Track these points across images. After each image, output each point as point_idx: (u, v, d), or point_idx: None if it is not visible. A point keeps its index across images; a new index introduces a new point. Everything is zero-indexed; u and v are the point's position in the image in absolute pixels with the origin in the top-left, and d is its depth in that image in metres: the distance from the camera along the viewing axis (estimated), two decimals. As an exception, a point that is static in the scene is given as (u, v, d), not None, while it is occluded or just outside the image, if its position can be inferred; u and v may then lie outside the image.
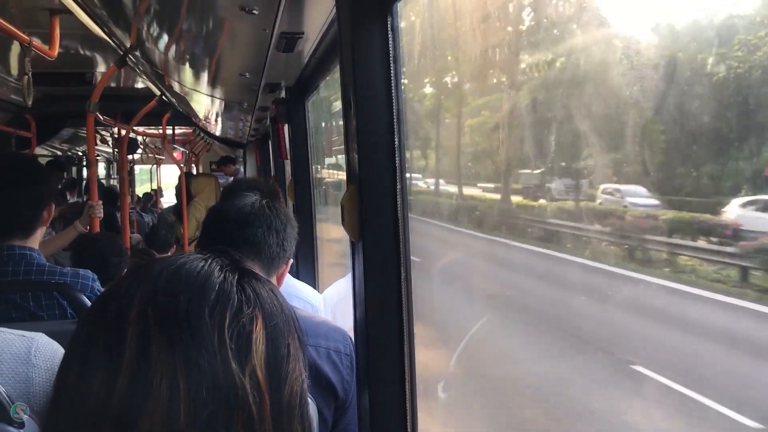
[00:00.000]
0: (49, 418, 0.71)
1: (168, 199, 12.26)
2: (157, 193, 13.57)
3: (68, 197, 8.33)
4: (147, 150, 10.27)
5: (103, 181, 12.21)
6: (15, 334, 1.18)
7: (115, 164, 12.75)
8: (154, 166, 14.32)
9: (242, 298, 0.71)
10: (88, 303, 2.08)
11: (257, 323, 0.70)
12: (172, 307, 0.67)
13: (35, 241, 2.22)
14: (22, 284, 2.14)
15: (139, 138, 8.19)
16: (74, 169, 11.81)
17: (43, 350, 1.18)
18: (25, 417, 1.10)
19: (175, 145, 9.80)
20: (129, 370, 0.65)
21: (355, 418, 1.66)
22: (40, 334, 1.21)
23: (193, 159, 11.83)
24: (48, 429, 0.70)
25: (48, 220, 2.26)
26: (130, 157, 8.41)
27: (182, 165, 9.05)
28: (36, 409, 1.13)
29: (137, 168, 14.65)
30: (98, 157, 9.71)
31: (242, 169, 9.21)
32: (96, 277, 2.31)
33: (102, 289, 2.30)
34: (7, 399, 1.10)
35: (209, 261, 0.74)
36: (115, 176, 13.06)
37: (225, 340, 0.67)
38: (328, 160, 7.47)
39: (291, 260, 1.78)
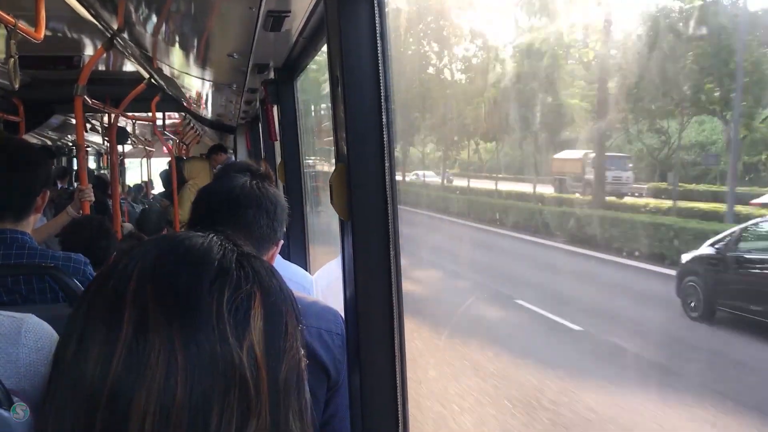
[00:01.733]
0: (46, 396, 0.71)
1: (158, 190, 12.24)
2: (148, 185, 13.53)
3: (59, 185, 8.31)
4: (137, 141, 10.22)
5: (95, 171, 12.16)
6: (5, 315, 1.18)
7: (105, 156, 12.69)
8: (144, 158, 14.27)
9: (241, 274, 0.71)
10: (79, 287, 2.08)
11: (255, 300, 0.70)
12: (171, 282, 0.68)
13: (28, 226, 2.21)
14: (13, 268, 2.13)
15: (129, 128, 8.15)
16: (64, 159, 11.76)
17: (33, 330, 1.18)
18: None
19: (166, 132, 9.75)
20: (126, 344, 0.65)
21: (346, 397, 1.67)
22: (30, 315, 1.21)
23: (184, 149, 11.78)
24: (46, 405, 0.70)
25: (42, 206, 2.25)
26: (120, 148, 8.38)
27: (173, 151, 9.01)
28: (26, 388, 1.13)
29: (127, 161, 14.56)
30: (88, 148, 9.65)
31: (233, 158, 9.18)
32: (88, 261, 2.30)
33: (93, 273, 2.30)
34: (3, 387, 1.10)
35: (208, 238, 0.74)
36: (106, 167, 13.00)
37: (223, 315, 0.67)
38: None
39: (281, 241, 1.77)
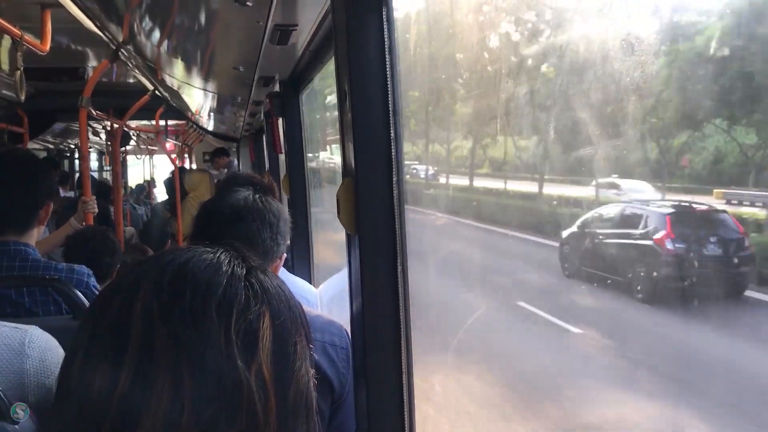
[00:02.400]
0: (51, 413, 0.69)
1: (160, 191, 12.20)
2: (150, 184, 13.51)
3: (60, 191, 8.30)
4: (140, 141, 10.22)
5: (95, 174, 12.15)
6: (8, 326, 1.17)
7: (107, 156, 12.68)
8: (147, 156, 14.26)
9: (249, 294, 0.69)
10: (82, 298, 2.07)
11: (264, 320, 0.69)
12: (178, 303, 0.66)
13: (31, 238, 2.20)
14: (16, 279, 2.12)
15: (132, 132, 8.16)
16: (66, 162, 11.76)
17: (36, 342, 1.17)
18: (22, 412, 1.10)
19: (168, 138, 9.76)
20: (132, 366, 0.63)
21: (351, 411, 1.66)
22: (34, 326, 1.21)
23: (186, 150, 11.79)
24: (51, 425, 0.69)
25: (45, 219, 2.24)
26: (122, 148, 8.37)
27: (175, 156, 9.01)
28: (30, 399, 1.13)
29: (129, 158, 14.55)
30: (90, 149, 9.66)
31: (236, 161, 9.18)
32: (91, 272, 2.29)
33: (97, 285, 2.29)
34: (5, 399, 1.09)
35: (217, 255, 0.72)
36: (108, 168, 12.98)
37: (231, 337, 0.66)
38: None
39: (284, 255, 1.77)
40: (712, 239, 4.98)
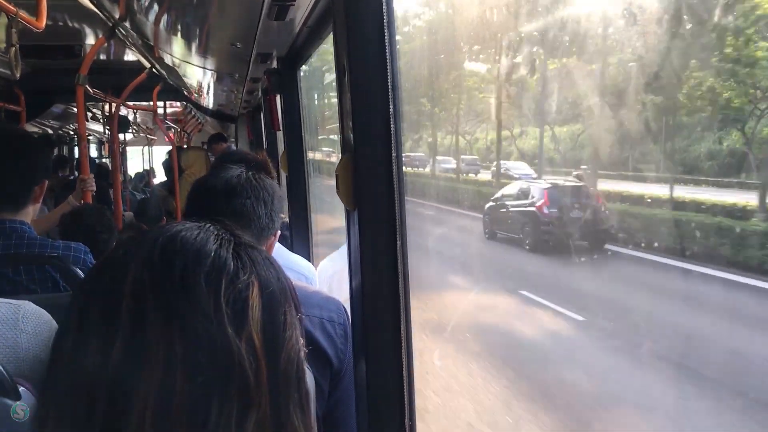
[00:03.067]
0: (46, 386, 0.70)
1: (160, 179, 12.23)
2: (150, 173, 13.49)
3: (59, 174, 8.28)
4: (139, 130, 10.20)
5: (96, 160, 12.14)
6: (2, 302, 1.17)
7: (106, 144, 12.66)
8: (146, 146, 14.25)
9: (238, 264, 0.70)
10: (80, 275, 2.07)
11: (253, 290, 0.70)
12: (168, 273, 0.67)
13: (27, 215, 2.20)
14: (14, 258, 2.12)
15: (131, 116, 8.12)
16: (65, 147, 11.73)
17: (30, 316, 1.17)
18: (21, 388, 1.10)
19: (167, 122, 9.74)
20: (125, 336, 0.64)
21: (351, 387, 1.66)
22: (27, 301, 1.21)
23: (185, 138, 11.77)
24: (45, 398, 0.69)
25: (40, 196, 2.24)
26: (121, 137, 8.35)
27: (174, 140, 8.99)
28: (27, 374, 1.13)
29: (129, 149, 14.53)
30: (90, 137, 9.65)
31: (233, 147, 9.15)
32: (88, 249, 2.29)
33: (94, 262, 2.29)
34: (8, 376, 1.09)
35: (205, 229, 0.73)
36: (107, 156, 12.97)
37: (221, 306, 0.66)
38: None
39: (279, 232, 1.77)
40: (576, 206, 7.33)
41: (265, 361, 0.68)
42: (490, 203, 8.53)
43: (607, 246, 6.93)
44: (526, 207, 7.74)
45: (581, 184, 7.53)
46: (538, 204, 7.52)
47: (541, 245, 7.65)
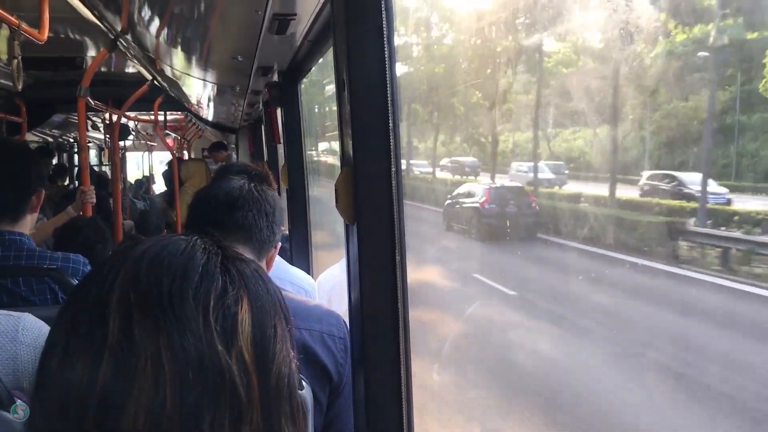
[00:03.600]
0: (33, 405, 0.69)
1: (159, 186, 12.23)
2: (150, 180, 13.50)
3: (59, 184, 8.29)
4: (139, 137, 10.21)
5: (95, 168, 12.15)
6: (1, 314, 1.18)
7: (106, 151, 12.67)
8: (146, 153, 14.25)
9: (227, 279, 0.69)
10: None
11: (242, 304, 0.69)
12: (155, 290, 0.66)
13: (25, 226, 2.20)
14: (13, 269, 2.12)
15: (131, 124, 8.13)
16: (65, 155, 11.74)
17: (30, 328, 1.17)
18: (18, 401, 1.10)
19: (168, 131, 9.75)
20: (112, 355, 0.63)
21: (349, 401, 1.66)
22: (27, 313, 1.21)
23: (185, 145, 11.79)
24: (33, 417, 0.68)
25: (37, 206, 2.24)
26: (121, 143, 8.36)
27: (174, 151, 9.00)
28: (25, 386, 1.13)
29: (128, 155, 14.54)
30: (89, 144, 9.66)
31: (234, 156, 9.16)
32: (87, 261, 2.29)
33: None
34: (5, 389, 1.09)
35: (192, 242, 0.72)
36: (107, 163, 12.98)
37: (210, 322, 0.66)
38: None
39: (279, 244, 1.77)
40: (511, 203, 9.22)
41: (256, 377, 0.67)
42: (448, 201, 10.23)
43: (540, 235, 8.84)
44: (472, 204, 9.65)
45: (519, 185, 9.88)
46: (481, 201, 9.45)
47: (484, 235, 9.53)
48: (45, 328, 1.22)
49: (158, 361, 0.63)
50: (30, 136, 7.04)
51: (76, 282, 2.11)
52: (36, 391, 0.68)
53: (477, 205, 9.38)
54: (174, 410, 0.62)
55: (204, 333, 0.65)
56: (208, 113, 6.93)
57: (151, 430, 0.62)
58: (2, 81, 4.55)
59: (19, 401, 1.10)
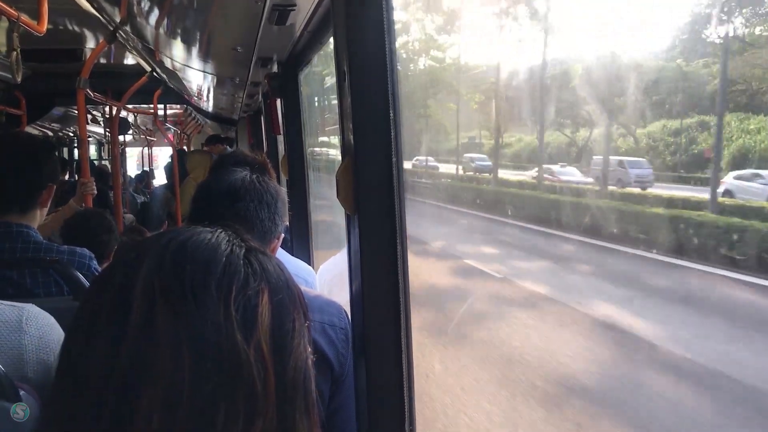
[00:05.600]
0: (53, 390, 0.70)
1: (160, 180, 12.22)
2: (149, 174, 13.48)
3: (60, 178, 8.25)
4: (138, 131, 10.20)
5: (95, 162, 12.14)
6: (5, 304, 1.18)
7: (107, 145, 12.66)
8: (146, 147, 14.24)
9: (249, 271, 0.70)
10: (83, 280, 2.08)
11: (263, 297, 0.70)
12: (178, 279, 0.67)
13: (33, 219, 2.21)
14: (16, 261, 2.13)
15: (131, 118, 8.11)
16: (65, 149, 11.72)
17: (34, 318, 1.18)
18: (22, 393, 1.11)
19: (167, 125, 9.73)
20: (133, 341, 0.64)
21: (351, 391, 1.67)
22: (31, 304, 1.22)
23: (185, 139, 11.78)
24: (54, 397, 0.69)
25: (47, 201, 2.25)
26: (121, 138, 8.35)
27: (174, 143, 8.98)
28: (30, 375, 1.13)
29: (128, 150, 14.52)
30: (90, 138, 9.64)
31: (229, 149, 9.13)
32: (93, 255, 2.30)
33: (98, 268, 2.30)
34: (9, 380, 1.10)
35: (216, 234, 0.73)
36: (107, 157, 12.96)
37: (230, 313, 0.66)
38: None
39: (282, 235, 1.77)
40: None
41: (273, 369, 0.68)
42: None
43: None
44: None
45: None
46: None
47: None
48: (50, 319, 1.22)
49: (178, 349, 0.64)
50: (30, 130, 7.03)
51: (78, 274, 2.11)
52: (56, 374, 0.69)
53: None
54: (190, 398, 0.63)
55: (224, 323, 0.66)
56: (208, 105, 6.92)
57: (167, 417, 0.63)
58: (1, 73, 4.54)
59: (22, 392, 1.11)
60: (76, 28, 3.90)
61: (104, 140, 12.29)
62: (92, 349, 0.65)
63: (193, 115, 8.70)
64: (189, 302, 0.66)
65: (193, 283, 0.67)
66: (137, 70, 4.96)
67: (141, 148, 15.34)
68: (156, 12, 2.78)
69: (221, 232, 0.74)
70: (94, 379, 0.65)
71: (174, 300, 0.66)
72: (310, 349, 0.75)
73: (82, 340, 0.67)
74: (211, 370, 0.64)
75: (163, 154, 15.79)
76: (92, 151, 13.61)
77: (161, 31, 3.07)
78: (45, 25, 2.52)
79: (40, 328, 1.18)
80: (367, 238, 1.51)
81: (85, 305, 0.69)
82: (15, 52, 2.47)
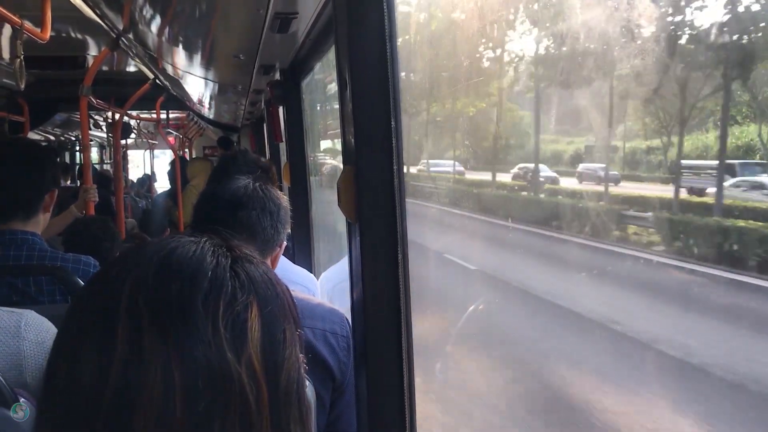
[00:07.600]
0: (40, 411, 0.68)
1: (162, 184, 12.22)
2: (151, 178, 13.51)
3: (61, 182, 8.26)
4: (140, 135, 10.22)
5: (97, 166, 12.16)
6: (4, 311, 1.18)
7: (108, 149, 12.67)
8: (148, 150, 14.26)
9: (236, 284, 0.68)
10: None
11: (252, 310, 0.68)
12: (164, 297, 0.65)
13: (37, 225, 2.21)
14: (20, 268, 2.13)
15: (133, 122, 8.13)
16: (67, 154, 11.74)
17: (32, 324, 1.18)
18: (21, 399, 1.10)
19: (169, 129, 9.75)
20: (121, 363, 0.62)
21: (352, 399, 1.66)
22: (29, 310, 1.21)
23: (187, 143, 11.81)
24: (40, 422, 0.68)
25: (50, 206, 2.25)
26: (123, 141, 8.36)
27: (176, 150, 9.01)
28: (29, 381, 1.13)
29: (130, 153, 14.52)
30: (91, 142, 9.66)
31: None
32: (97, 263, 2.29)
33: None
34: (8, 387, 1.10)
35: (201, 244, 0.70)
36: (109, 161, 12.98)
37: (219, 329, 0.65)
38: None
39: (285, 243, 1.77)
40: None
41: (265, 383, 0.66)
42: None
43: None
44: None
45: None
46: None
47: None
48: (48, 325, 1.22)
49: (168, 368, 0.62)
50: (32, 135, 7.05)
51: (81, 282, 2.11)
52: (44, 394, 0.67)
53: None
54: (183, 419, 0.62)
55: (213, 340, 0.64)
56: (210, 112, 6.94)
57: None
58: (5, 80, 4.56)
59: (22, 399, 1.11)
60: (79, 36, 3.92)
61: (105, 143, 12.32)
62: (79, 372, 0.64)
63: (195, 119, 8.71)
64: (176, 321, 0.64)
65: (179, 301, 0.65)
66: (140, 77, 4.98)
67: (142, 152, 15.36)
68: (158, 19, 2.79)
69: (206, 242, 0.71)
70: (82, 403, 0.63)
71: (160, 320, 0.64)
72: (302, 357, 0.73)
73: (66, 365, 0.65)
74: (203, 388, 0.63)
75: (161, 161, 15.76)
76: (93, 153, 13.63)
77: (164, 38, 3.08)
78: (48, 33, 2.54)
79: (39, 334, 1.18)
80: (369, 246, 1.51)
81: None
82: (18, 59, 2.48)
